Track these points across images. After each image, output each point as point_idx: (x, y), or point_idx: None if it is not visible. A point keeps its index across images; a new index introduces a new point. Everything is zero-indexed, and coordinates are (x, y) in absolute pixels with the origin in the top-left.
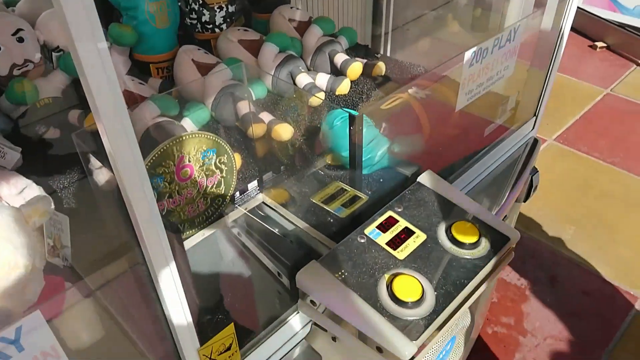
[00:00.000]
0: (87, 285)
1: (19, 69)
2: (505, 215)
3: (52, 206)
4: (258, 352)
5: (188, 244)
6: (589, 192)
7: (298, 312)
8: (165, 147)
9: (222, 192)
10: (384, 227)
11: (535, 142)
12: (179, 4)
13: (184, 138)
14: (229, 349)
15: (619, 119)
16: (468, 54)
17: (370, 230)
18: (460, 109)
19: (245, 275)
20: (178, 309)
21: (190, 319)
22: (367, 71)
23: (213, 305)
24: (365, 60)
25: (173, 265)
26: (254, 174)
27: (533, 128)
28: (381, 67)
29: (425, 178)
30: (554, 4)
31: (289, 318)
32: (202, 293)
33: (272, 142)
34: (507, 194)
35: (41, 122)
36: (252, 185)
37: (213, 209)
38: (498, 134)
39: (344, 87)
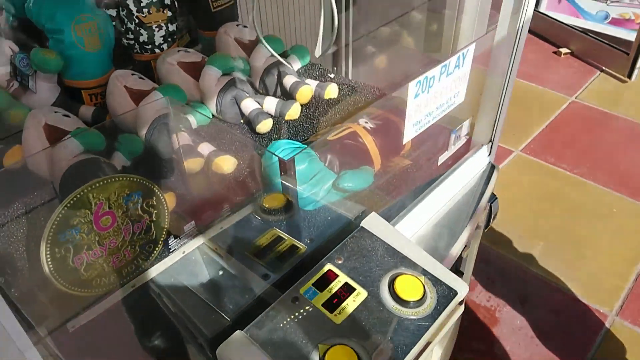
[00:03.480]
0: None
1: None
2: (466, 245)
3: None
4: None
5: (116, 296)
6: (557, 204)
7: None
8: (79, 195)
9: (154, 237)
10: (321, 285)
11: (493, 168)
12: (114, 23)
13: (101, 183)
14: None
15: (585, 127)
16: (412, 85)
17: (306, 289)
18: (408, 140)
19: (161, 346)
20: None
21: None
22: (319, 93)
23: None
24: (317, 82)
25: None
26: (191, 213)
27: (490, 153)
28: (333, 89)
29: (369, 222)
30: (504, 25)
31: None
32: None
33: (211, 177)
34: (465, 226)
35: None
36: (189, 226)
37: (144, 257)
38: (453, 161)
39: (293, 112)
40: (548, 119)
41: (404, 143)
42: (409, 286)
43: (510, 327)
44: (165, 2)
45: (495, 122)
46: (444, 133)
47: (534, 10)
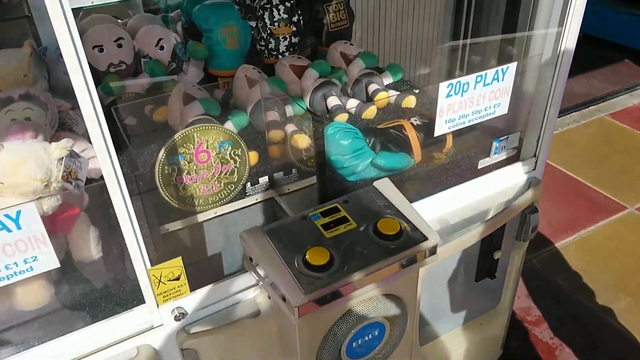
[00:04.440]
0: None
1: (114, 68)
2: (498, 248)
3: (72, 145)
4: (205, 291)
5: (203, 216)
6: None
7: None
8: (187, 132)
9: (235, 180)
10: (326, 213)
11: (535, 182)
12: (253, 32)
13: (203, 128)
14: (177, 278)
15: None
16: (443, 86)
17: (314, 214)
18: (440, 134)
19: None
20: (129, 230)
21: (141, 240)
22: (398, 102)
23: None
24: (399, 93)
25: (125, 191)
26: (267, 172)
27: (535, 168)
28: (411, 100)
29: (380, 183)
30: (548, 49)
31: (240, 275)
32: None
33: (287, 148)
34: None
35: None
36: (263, 180)
37: (226, 193)
38: (493, 168)
39: (369, 112)
40: None
41: (435, 136)
42: (390, 226)
43: None
44: (293, 20)
45: (539, 139)
46: (487, 141)
47: None
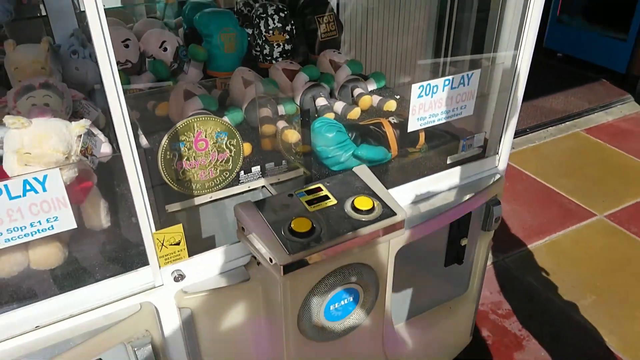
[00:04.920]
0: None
1: (121, 66)
2: (464, 236)
3: (89, 124)
4: (202, 257)
5: (200, 200)
6: (626, 268)
7: (238, 242)
8: (187, 122)
9: (230, 168)
10: (310, 192)
11: (497, 177)
12: (249, 39)
13: (203, 118)
14: (178, 244)
15: None
16: (415, 87)
17: (300, 192)
18: (413, 130)
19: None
20: (139, 197)
21: (148, 205)
22: (380, 105)
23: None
24: (381, 97)
25: (137, 161)
26: (259, 162)
27: (497, 164)
28: (392, 104)
29: (359, 169)
30: (507, 58)
31: (232, 245)
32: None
33: (278, 142)
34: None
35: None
36: (256, 169)
37: (221, 179)
38: (460, 163)
39: (354, 113)
40: None
41: (408, 131)
42: (365, 203)
43: (533, 356)
44: (286, 29)
45: (501, 139)
46: (455, 139)
47: None
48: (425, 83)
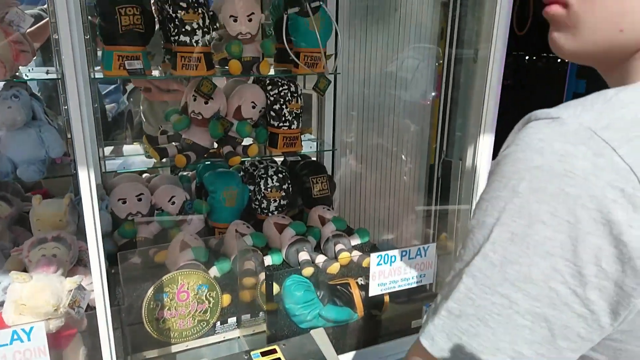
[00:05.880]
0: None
1: (132, 216)
2: None
3: (81, 281)
4: None
5: (176, 348)
6: None
7: None
8: (172, 275)
9: (207, 318)
10: (265, 354)
11: None
12: (250, 194)
13: (187, 272)
14: None
15: None
16: (374, 256)
17: (256, 352)
18: (374, 295)
19: None
20: (106, 347)
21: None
22: (360, 261)
23: None
24: (360, 254)
25: (110, 323)
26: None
27: None
28: (369, 261)
29: (315, 332)
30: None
31: None
32: None
33: (257, 293)
34: None
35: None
36: (232, 320)
37: (198, 329)
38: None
39: (333, 268)
40: None
41: (370, 295)
42: None
43: None
44: (283, 187)
45: None
46: (419, 305)
47: None
48: (383, 253)
